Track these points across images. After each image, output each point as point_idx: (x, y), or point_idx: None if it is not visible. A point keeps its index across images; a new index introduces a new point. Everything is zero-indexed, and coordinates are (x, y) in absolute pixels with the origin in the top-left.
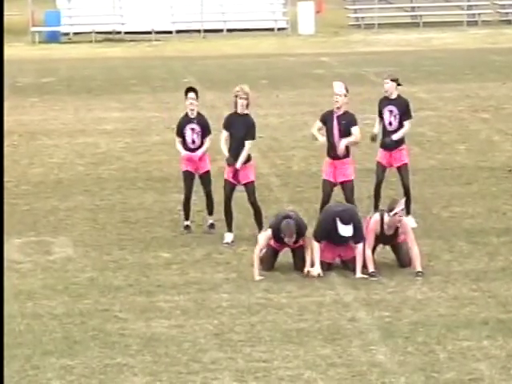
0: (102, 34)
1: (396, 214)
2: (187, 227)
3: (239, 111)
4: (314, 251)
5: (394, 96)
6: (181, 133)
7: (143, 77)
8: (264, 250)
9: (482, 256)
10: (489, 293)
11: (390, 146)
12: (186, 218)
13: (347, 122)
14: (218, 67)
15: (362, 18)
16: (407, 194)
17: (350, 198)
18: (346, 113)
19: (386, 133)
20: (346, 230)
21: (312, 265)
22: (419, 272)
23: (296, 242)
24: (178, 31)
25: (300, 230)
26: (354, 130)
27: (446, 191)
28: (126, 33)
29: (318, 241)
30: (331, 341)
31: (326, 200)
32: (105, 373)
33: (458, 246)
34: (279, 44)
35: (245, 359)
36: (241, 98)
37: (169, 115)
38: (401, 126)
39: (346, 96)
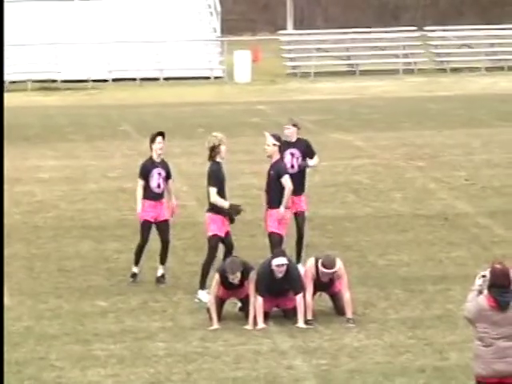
0: (39, 82)
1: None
2: (135, 275)
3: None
4: (257, 307)
5: (294, 139)
6: (146, 176)
7: (79, 125)
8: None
9: (418, 304)
10: (425, 340)
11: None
12: (136, 264)
13: (275, 172)
14: (154, 115)
15: (299, 66)
16: (300, 241)
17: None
18: (277, 161)
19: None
20: (280, 260)
21: (254, 322)
22: (350, 319)
23: (241, 283)
24: (115, 79)
25: (245, 270)
26: (284, 179)
27: (382, 239)
28: (63, 81)
29: (262, 295)
30: None
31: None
32: None
33: (394, 293)
34: (216, 92)
35: None
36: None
37: (105, 163)
38: (300, 168)
39: (274, 146)
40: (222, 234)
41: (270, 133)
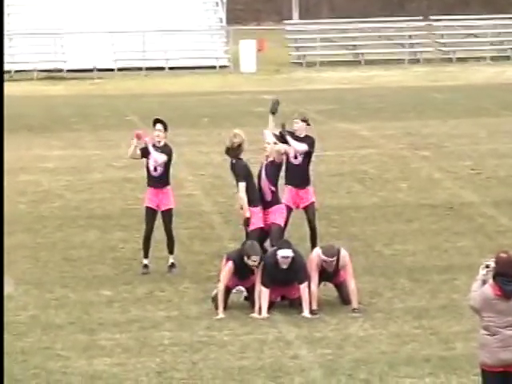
0: (44, 71)
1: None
2: (146, 266)
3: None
4: (262, 297)
5: (302, 135)
6: (146, 154)
7: (85, 115)
8: (216, 290)
9: (423, 293)
10: (430, 330)
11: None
12: (145, 256)
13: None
14: (160, 105)
15: (304, 55)
16: (314, 234)
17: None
18: (271, 163)
19: (291, 167)
20: (286, 252)
21: (260, 310)
22: (355, 309)
23: (253, 271)
24: (120, 69)
25: (262, 256)
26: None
27: (388, 228)
28: (68, 70)
29: (267, 286)
30: (273, 378)
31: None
32: None
33: (399, 283)
34: (221, 82)
35: None
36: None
37: (111, 153)
38: (304, 162)
39: (275, 144)
40: (262, 225)
41: (268, 130)
